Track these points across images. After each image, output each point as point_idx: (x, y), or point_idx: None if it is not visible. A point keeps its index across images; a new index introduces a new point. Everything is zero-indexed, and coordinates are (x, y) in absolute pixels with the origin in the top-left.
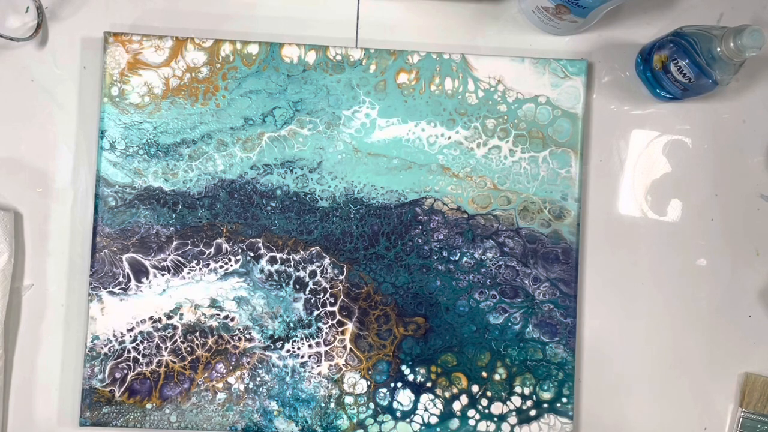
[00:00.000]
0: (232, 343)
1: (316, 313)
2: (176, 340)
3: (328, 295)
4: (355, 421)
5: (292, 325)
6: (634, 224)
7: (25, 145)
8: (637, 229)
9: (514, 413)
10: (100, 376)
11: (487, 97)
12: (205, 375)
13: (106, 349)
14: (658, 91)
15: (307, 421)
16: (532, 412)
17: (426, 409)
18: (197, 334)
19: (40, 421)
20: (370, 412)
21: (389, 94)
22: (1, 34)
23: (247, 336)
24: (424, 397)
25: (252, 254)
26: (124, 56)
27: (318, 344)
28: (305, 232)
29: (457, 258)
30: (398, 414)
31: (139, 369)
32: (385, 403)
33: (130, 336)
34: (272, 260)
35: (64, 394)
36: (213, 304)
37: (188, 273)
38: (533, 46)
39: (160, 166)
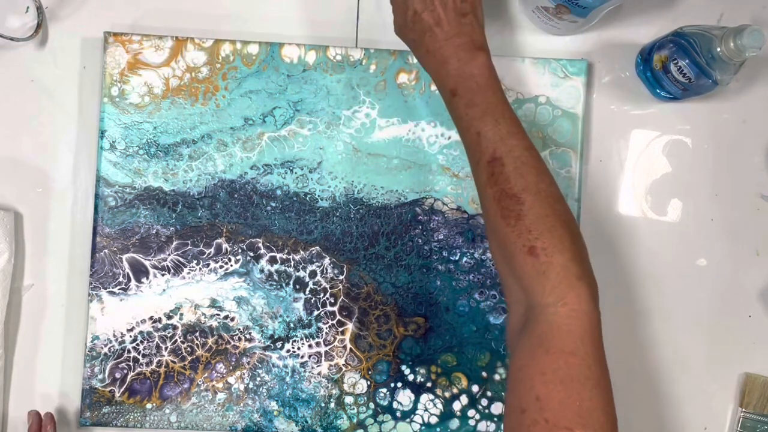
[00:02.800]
0: (232, 343)
1: (316, 313)
2: (176, 340)
3: (328, 295)
4: (355, 421)
5: (292, 325)
6: (634, 224)
7: (25, 145)
8: (637, 229)
9: None
10: (100, 376)
11: None
12: (205, 375)
13: (106, 349)
14: (658, 91)
15: (307, 421)
16: None
17: (426, 409)
18: (197, 334)
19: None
20: (370, 412)
21: (389, 94)
22: (1, 34)
23: (247, 336)
24: (424, 397)
25: (252, 254)
26: (124, 56)
27: (318, 344)
28: (305, 232)
29: (457, 258)
30: (398, 414)
31: (139, 369)
32: (385, 403)
33: (130, 336)
34: (272, 260)
35: (64, 394)
36: (213, 304)
37: (188, 273)
38: (533, 46)
39: (160, 166)
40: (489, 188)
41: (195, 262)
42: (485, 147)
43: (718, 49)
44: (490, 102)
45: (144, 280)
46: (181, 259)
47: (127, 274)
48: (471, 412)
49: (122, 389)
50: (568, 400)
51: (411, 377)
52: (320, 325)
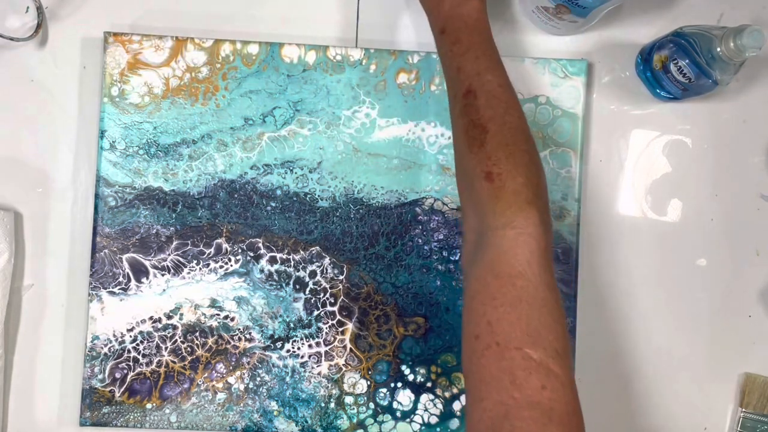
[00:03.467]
0: (232, 343)
1: (316, 313)
2: (176, 340)
3: (328, 295)
4: (355, 421)
5: (292, 325)
6: (634, 224)
7: (25, 145)
8: (637, 229)
9: None
10: (100, 376)
11: None
12: (205, 375)
13: (106, 349)
14: (658, 91)
15: (307, 421)
16: None
17: (426, 409)
18: (197, 334)
19: (40, 421)
20: (370, 412)
21: (389, 94)
22: (1, 34)
23: (247, 336)
24: (424, 397)
25: (252, 254)
26: (124, 56)
27: (318, 344)
28: (305, 232)
29: (457, 258)
30: (398, 414)
31: (139, 369)
32: (385, 403)
33: (130, 336)
34: (272, 260)
35: (64, 394)
36: (213, 304)
37: (188, 273)
38: (533, 46)
39: (160, 166)
40: (460, 119)
41: (195, 262)
42: (462, 80)
43: (718, 49)
44: (474, 41)
45: (144, 280)
46: (181, 259)
47: (127, 274)
48: None
49: (122, 389)
50: (518, 321)
51: (411, 377)
52: (320, 325)
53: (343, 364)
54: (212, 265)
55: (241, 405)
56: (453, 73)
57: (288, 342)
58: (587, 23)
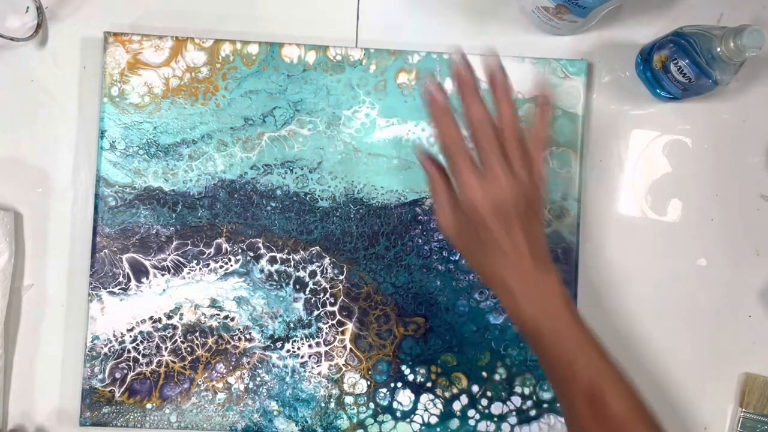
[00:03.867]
0: (232, 343)
1: (316, 313)
2: (176, 340)
3: (328, 295)
4: (355, 421)
5: (292, 325)
6: (634, 224)
7: (25, 145)
8: (637, 229)
9: (514, 413)
10: (100, 376)
11: (487, 97)
12: (205, 375)
13: (106, 349)
14: (658, 91)
15: (307, 421)
16: (532, 412)
17: (426, 409)
18: (197, 334)
19: (40, 421)
20: (370, 412)
21: (389, 94)
22: (1, 34)
23: (247, 336)
24: (424, 397)
25: (252, 254)
26: (124, 56)
27: (318, 344)
28: (305, 232)
29: (457, 258)
30: (398, 414)
31: (139, 369)
32: (385, 403)
33: (130, 336)
34: (272, 260)
35: (64, 394)
36: (213, 304)
37: (188, 273)
38: (533, 46)
39: (160, 166)
40: (593, 423)
41: (195, 262)
42: (580, 379)
43: (718, 49)
44: (572, 333)
45: (144, 280)
46: (181, 259)
47: (127, 274)
48: (471, 412)
49: (122, 389)
50: None
51: (411, 377)
52: (320, 325)
53: (343, 364)
54: (212, 265)
55: (241, 405)
56: (565, 371)
57: (288, 342)
58: (587, 23)
